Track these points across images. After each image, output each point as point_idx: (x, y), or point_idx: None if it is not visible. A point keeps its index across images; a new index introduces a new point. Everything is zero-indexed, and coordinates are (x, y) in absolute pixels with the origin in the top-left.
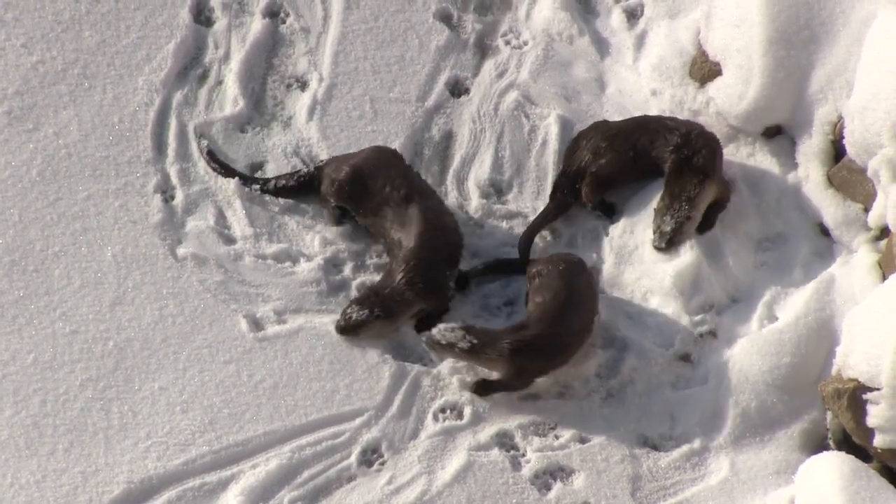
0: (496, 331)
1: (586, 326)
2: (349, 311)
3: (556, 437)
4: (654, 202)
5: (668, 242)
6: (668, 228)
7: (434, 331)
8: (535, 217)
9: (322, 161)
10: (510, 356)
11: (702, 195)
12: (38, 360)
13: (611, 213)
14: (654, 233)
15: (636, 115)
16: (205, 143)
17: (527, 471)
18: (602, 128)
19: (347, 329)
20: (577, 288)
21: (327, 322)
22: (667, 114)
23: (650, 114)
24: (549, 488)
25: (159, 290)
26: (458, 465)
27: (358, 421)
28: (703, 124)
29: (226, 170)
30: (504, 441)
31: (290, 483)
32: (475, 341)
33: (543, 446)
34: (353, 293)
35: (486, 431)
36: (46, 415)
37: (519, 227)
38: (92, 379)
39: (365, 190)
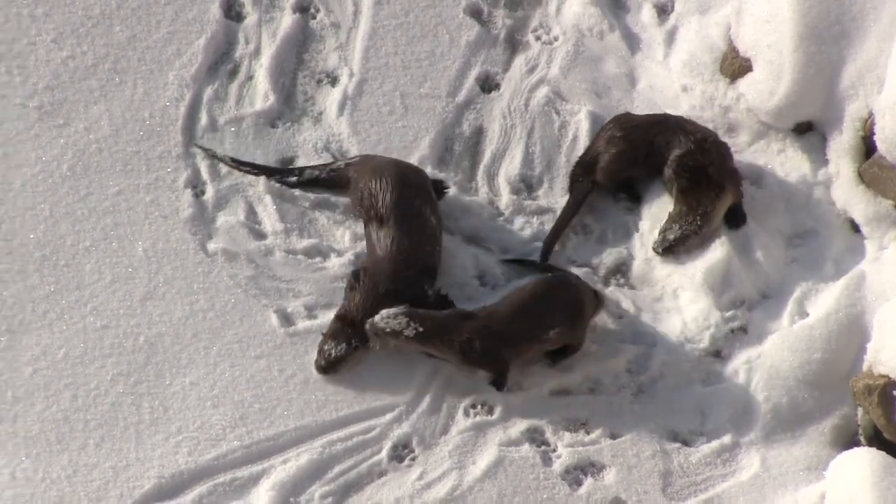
0: (441, 316)
1: (536, 336)
2: (326, 348)
3: (587, 433)
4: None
5: (666, 250)
6: (672, 237)
7: (377, 318)
8: (560, 214)
9: (352, 158)
10: (459, 345)
11: (717, 210)
12: (69, 355)
13: (635, 196)
14: (659, 234)
15: (667, 112)
16: (222, 154)
17: (557, 466)
18: (622, 119)
19: (329, 368)
20: (542, 299)
21: None
22: (696, 110)
23: (681, 110)
24: (579, 484)
25: (190, 286)
26: (488, 460)
27: (389, 416)
28: (716, 133)
29: (257, 168)
30: (535, 437)
31: (321, 478)
32: (421, 328)
33: (574, 442)
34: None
35: (517, 427)
36: (77, 409)
37: (549, 223)
38: (123, 374)
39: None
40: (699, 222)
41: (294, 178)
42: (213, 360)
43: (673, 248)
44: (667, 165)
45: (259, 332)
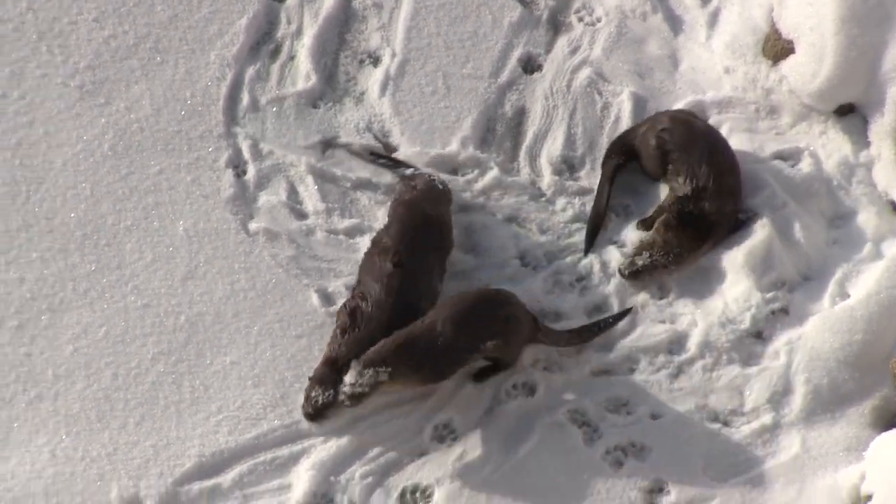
0: (392, 345)
1: (473, 347)
2: (313, 394)
3: (629, 413)
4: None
5: (632, 274)
6: (640, 263)
7: (347, 388)
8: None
9: (416, 172)
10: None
11: (692, 257)
12: (110, 334)
13: None
14: (626, 258)
15: (709, 93)
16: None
17: (599, 446)
18: (679, 117)
19: (316, 415)
20: (481, 310)
21: None
22: (739, 91)
23: (724, 91)
24: (621, 464)
25: (231, 265)
26: (529, 441)
27: (431, 396)
28: (734, 175)
29: (394, 162)
30: (576, 417)
31: (362, 458)
32: (390, 368)
33: (616, 422)
34: None
35: (559, 408)
36: (118, 388)
37: (590, 203)
38: (164, 353)
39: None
40: (670, 259)
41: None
42: (253, 340)
43: (639, 274)
44: (667, 195)
45: (300, 312)
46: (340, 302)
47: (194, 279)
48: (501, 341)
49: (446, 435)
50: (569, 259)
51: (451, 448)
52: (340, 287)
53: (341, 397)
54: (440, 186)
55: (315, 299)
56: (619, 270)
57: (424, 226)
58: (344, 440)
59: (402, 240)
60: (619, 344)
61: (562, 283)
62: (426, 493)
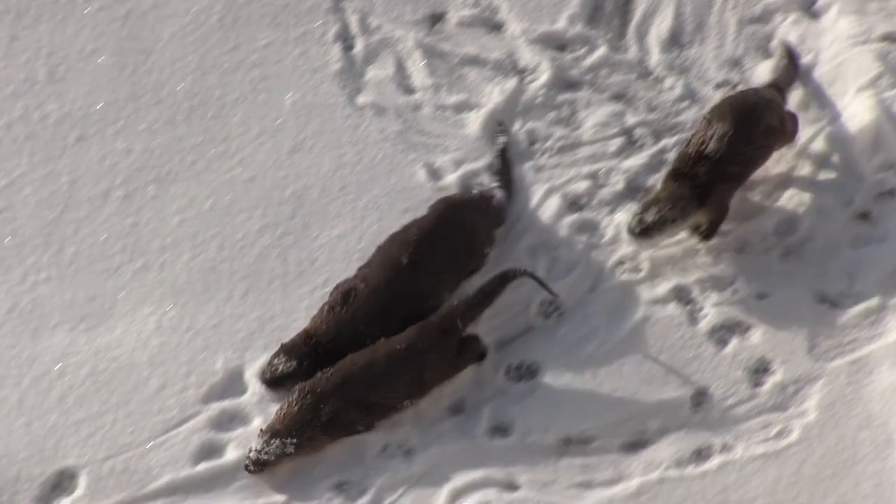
0: (290, 411)
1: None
2: (276, 361)
3: (734, 293)
4: None
5: (642, 232)
6: (650, 219)
7: (254, 455)
8: None
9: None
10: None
11: (695, 214)
12: (217, 206)
13: None
14: (634, 216)
15: None
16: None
17: (704, 325)
18: (739, 93)
19: (272, 382)
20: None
21: None
22: None
23: None
24: (725, 343)
25: (338, 139)
26: (634, 318)
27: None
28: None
29: (505, 170)
30: (682, 295)
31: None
32: (295, 439)
33: (721, 301)
34: (539, 144)
35: (664, 286)
36: (223, 260)
37: (696, 82)
38: (270, 225)
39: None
40: (678, 212)
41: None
42: (360, 214)
43: (649, 232)
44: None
45: (407, 187)
46: (447, 178)
47: (301, 152)
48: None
49: (551, 311)
50: (675, 138)
51: (558, 325)
52: (447, 162)
53: (249, 463)
54: (495, 205)
55: (422, 174)
56: (629, 230)
57: (457, 231)
58: None
59: (426, 237)
60: (727, 224)
61: (666, 162)
62: (531, 368)
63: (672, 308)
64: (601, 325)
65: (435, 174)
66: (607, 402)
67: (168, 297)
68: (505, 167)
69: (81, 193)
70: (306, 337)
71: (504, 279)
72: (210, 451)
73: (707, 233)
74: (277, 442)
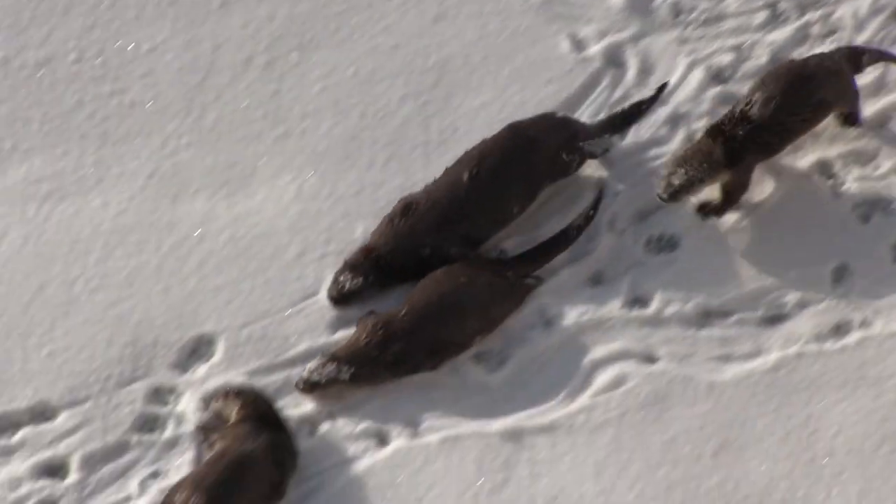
0: (358, 343)
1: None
2: (342, 278)
3: (876, 168)
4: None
5: (672, 195)
6: (677, 182)
7: (306, 374)
8: None
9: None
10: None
11: (719, 176)
12: (359, 74)
13: None
14: (662, 180)
15: None
16: None
17: (847, 200)
18: (803, 59)
19: (340, 300)
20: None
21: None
22: None
23: None
24: (868, 219)
25: (482, 8)
26: (778, 192)
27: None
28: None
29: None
30: (824, 169)
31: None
32: (353, 369)
33: (863, 176)
34: (684, 16)
35: (806, 159)
36: (365, 128)
37: None
38: (412, 94)
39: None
40: (706, 170)
41: None
42: (502, 83)
43: (678, 194)
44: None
45: (550, 57)
46: (591, 48)
47: (445, 20)
48: (481, 326)
49: None
50: (819, 12)
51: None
52: (591, 33)
53: (306, 372)
54: (573, 131)
55: (565, 45)
56: (658, 195)
57: (522, 149)
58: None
59: (487, 154)
60: (867, 100)
61: (810, 37)
62: (671, 240)
63: (815, 181)
64: (742, 198)
65: (578, 45)
66: (747, 275)
67: (308, 164)
68: (625, 114)
69: (224, 59)
70: (367, 251)
71: (566, 238)
72: (348, 319)
73: (720, 208)
74: (333, 367)
